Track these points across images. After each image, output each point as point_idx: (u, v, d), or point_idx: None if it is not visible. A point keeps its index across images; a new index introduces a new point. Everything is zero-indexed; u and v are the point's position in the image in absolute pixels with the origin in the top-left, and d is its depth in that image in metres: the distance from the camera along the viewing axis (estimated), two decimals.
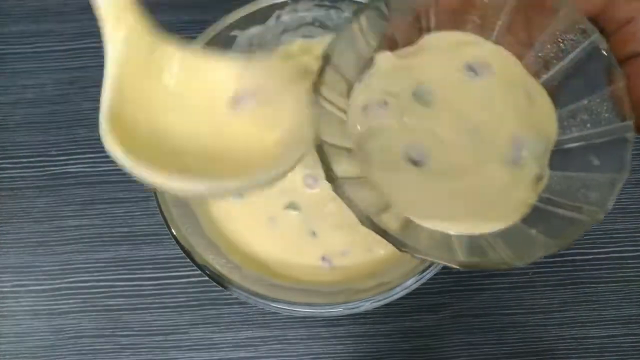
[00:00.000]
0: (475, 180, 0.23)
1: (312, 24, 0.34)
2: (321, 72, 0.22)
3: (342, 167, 0.22)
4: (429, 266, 0.29)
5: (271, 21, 0.34)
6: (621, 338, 0.36)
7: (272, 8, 0.33)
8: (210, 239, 0.31)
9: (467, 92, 0.24)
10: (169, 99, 0.23)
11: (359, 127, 0.23)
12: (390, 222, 0.22)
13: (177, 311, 0.36)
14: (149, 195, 0.38)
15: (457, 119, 0.24)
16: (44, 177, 0.39)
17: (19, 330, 0.36)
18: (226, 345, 0.36)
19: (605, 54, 0.22)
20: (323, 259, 0.32)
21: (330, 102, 0.23)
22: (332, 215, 0.32)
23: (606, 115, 0.22)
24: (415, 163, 0.23)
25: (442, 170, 0.23)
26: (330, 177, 0.21)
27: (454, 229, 0.22)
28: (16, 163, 0.39)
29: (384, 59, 0.24)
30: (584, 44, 0.22)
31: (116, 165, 0.41)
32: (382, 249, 0.32)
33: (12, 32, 0.42)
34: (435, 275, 0.36)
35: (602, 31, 0.23)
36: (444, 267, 0.37)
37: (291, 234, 0.32)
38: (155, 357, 0.36)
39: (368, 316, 0.36)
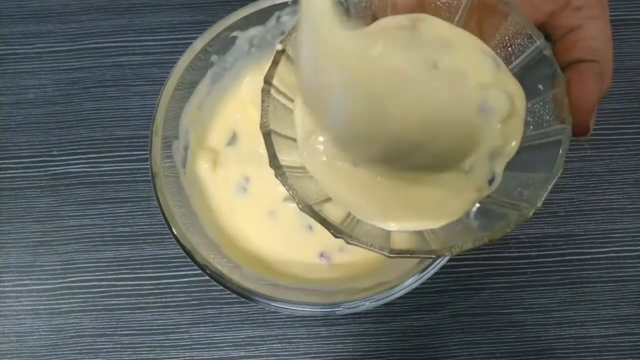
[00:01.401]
0: (425, 185, 0.23)
1: None
2: (275, 63, 0.23)
3: (290, 157, 0.23)
4: (429, 266, 0.29)
5: (271, 22, 0.34)
6: (620, 337, 0.36)
7: (272, 9, 0.33)
8: (211, 239, 0.32)
9: (429, 74, 0.24)
10: None
11: (303, 121, 0.24)
12: (335, 210, 0.23)
13: (177, 310, 0.36)
14: (150, 195, 0.38)
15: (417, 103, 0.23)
16: (46, 177, 0.39)
17: (20, 329, 0.36)
18: (226, 345, 0.36)
19: (549, 59, 0.23)
20: (321, 255, 0.32)
21: (282, 93, 0.24)
22: None
23: (547, 117, 0.23)
24: (354, 164, 0.24)
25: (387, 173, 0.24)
26: (274, 164, 0.23)
27: (395, 227, 0.23)
28: (18, 163, 0.39)
29: None
30: (530, 48, 0.23)
31: (117, 166, 0.41)
32: None
33: (13, 33, 0.42)
34: (434, 274, 0.37)
35: (548, 38, 0.24)
36: (444, 267, 0.37)
37: (290, 228, 0.32)
38: (156, 356, 0.36)
39: (368, 315, 0.36)
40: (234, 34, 0.33)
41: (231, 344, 0.36)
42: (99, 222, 0.38)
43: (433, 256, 0.23)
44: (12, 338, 0.36)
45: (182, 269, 0.37)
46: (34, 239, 0.38)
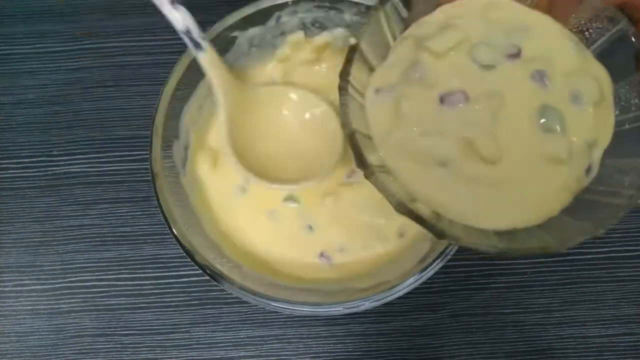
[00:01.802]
0: (521, 181, 0.22)
1: (312, 25, 0.35)
2: (349, 61, 0.23)
3: (372, 156, 0.23)
4: (429, 265, 0.29)
5: (271, 22, 0.34)
6: (620, 337, 0.36)
7: (272, 9, 0.33)
8: (211, 239, 0.32)
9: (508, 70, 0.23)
10: (259, 123, 0.32)
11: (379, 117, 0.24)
12: (422, 209, 0.22)
13: (178, 310, 0.36)
14: (149, 195, 0.38)
15: (498, 101, 0.23)
16: (46, 177, 0.39)
17: (20, 329, 0.37)
18: (227, 344, 0.36)
19: (631, 41, 0.22)
20: (321, 255, 0.32)
21: (357, 91, 0.23)
22: (328, 209, 0.32)
23: (636, 101, 0.22)
24: (442, 164, 0.23)
25: (473, 173, 0.22)
26: (363, 164, 0.22)
27: (486, 225, 0.22)
28: (18, 163, 0.39)
29: (405, 45, 0.24)
30: (611, 31, 0.22)
31: (117, 166, 0.41)
32: (380, 247, 0.32)
33: (13, 33, 0.42)
34: (434, 274, 0.37)
35: (630, 19, 0.22)
36: (444, 267, 0.37)
37: (290, 229, 0.32)
38: (156, 356, 0.36)
39: (367, 315, 0.36)
40: (234, 34, 0.33)
41: (231, 344, 0.36)
42: (99, 222, 0.38)
43: (545, 253, 0.21)
44: (12, 338, 0.36)
45: (182, 269, 0.37)
46: (34, 239, 0.38)
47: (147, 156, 0.38)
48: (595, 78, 0.23)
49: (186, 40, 0.30)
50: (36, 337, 0.36)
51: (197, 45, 0.30)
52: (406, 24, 0.25)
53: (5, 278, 0.37)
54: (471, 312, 0.36)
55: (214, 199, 0.34)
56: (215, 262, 0.30)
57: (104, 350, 0.36)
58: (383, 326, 0.36)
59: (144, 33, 0.41)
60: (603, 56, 0.23)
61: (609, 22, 0.22)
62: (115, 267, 0.37)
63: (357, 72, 0.23)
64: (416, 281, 0.29)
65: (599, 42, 0.23)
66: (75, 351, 0.36)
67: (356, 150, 0.22)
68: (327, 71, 0.35)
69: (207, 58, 0.31)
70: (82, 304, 0.37)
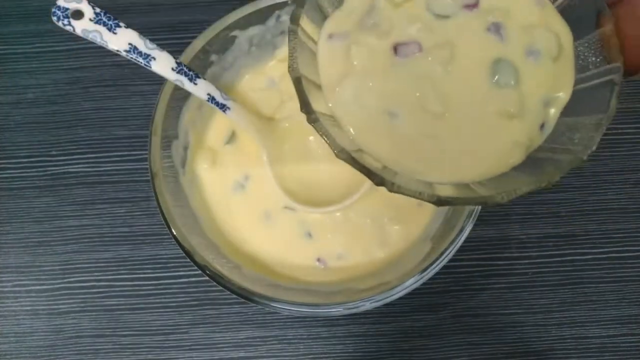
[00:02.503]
0: (472, 136, 0.22)
1: None
2: (301, 4, 0.22)
3: (321, 105, 0.22)
4: (429, 266, 0.29)
5: (271, 21, 0.34)
6: (620, 338, 0.36)
7: (272, 8, 0.33)
8: (210, 239, 0.32)
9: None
10: (293, 154, 0.34)
11: (329, 63, 0.23)
12: (367, 158, 0.21)
13: (177, 311, 0.36)
14: (149, 196, 0.38)
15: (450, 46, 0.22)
16: (45, 177, 0.39)
17: (19, 330, 0.36)
18: (226, 345, 0.36)
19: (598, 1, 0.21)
20: (318, 260, 0.32)
21: (308, 36, 0.23)
22: (331, 219, 0.32)
23: (593, 59, 0.22)
24: (392, 115, 0.22)
25: (423, 126, 0.22)
26: (306, 110, 0.21)
27: (437, 179, 0.22)
28: (17, 163, 0.39)
29: None
30: None
31: (116, 166, 0.41)
32: (382, 252, 0.32)
33: (12, 32, 0.42)
34: (435, 275, 0.36)
35: None
36: (445, 268, 0.37)
37: (287, 233, 0.32)
38: (155, 356, 0.36)
39: (368, 316, 0.36)
40: (234, 33, 0.33)
41: (231, 345, 0.36)
42: (98, 223, 0.38)
43: (483, 204, 0.21)
44: (11, 338, 0.36)
45: (181, 269, 0.37)
46: (33, 239, 0.37)
47: (146, 156, 0.38)
48: (555, 33, 0.22)
49: (211, 105, 0.31)
50: (35, 337, 0.36)
51: (223, 107, 0.31)
52: None
53: (4, 278, 0.37)
54: (472, 313, 0.36)
55: (213, 198, 0.33)
56: (214, 262, 0.29)
57: (103, 350, 0.36)
58: (384, 327, 0.36)
59: (144, 32, 0.41)
60: (565, 12, 0.23)
61: None
62: (114, 267, 0.37)
63: (310, 17, 0.22)
64: (416, 282, 0.29)
65: None
66: (75, 352, 0.36)
67: (301, 95, 0.21)
68: None
69: (234, 114, 0.32)
70: (81, 305, 0.37)
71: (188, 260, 0.37)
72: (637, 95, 0.39)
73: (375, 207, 0.32)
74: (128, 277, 0.37)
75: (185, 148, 0.33)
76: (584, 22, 0.22)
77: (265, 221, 0.33)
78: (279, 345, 0.36)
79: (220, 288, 0.36)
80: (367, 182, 0.30)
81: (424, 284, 0.36)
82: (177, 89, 0.32)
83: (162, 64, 0.28)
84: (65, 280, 0.37)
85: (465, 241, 0.37)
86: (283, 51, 0.35)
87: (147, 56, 0.28)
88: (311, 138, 0.33)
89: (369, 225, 0.32)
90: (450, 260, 0.36)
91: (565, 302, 0.36)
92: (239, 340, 0.36)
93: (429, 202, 0.21)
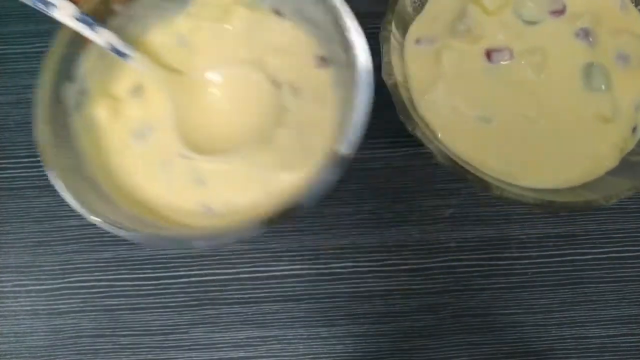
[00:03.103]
0: (566, 140, 0.22)
1: None
2: (392, 11, 0.23)
3: (412, 110, 0.23)
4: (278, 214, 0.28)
5: None
6: (621, 338, 0.36)
7: None
8: (92, 177, 0.32)
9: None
10: (200, 107, 0.34)
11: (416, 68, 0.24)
12: (465, 165, 0.22)
13: (176, 311, 0.36)
14: None
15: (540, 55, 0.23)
16: (45, 177, 0.38)
17: (18, 330, 0.36)
18: (226, 345, 0.36)
19: None
20: (206, 206, 0.32)
21: (397, 40, 0.23)
22: (220, 168, 0.32)
23: None
24: (486, 120, 0.23)
25: (517, 131, 0.22)
26: (406, 116, 0.22)
27: (527, 184, 0.22)
28: (17, 163, 0.39)
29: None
30: None
31: None
32: (266, 200, 0.32)
33: (12, 32, 0.42)
34: (435, 275, 0.37)
35: None
36: (445, 267, 0.37)
37: (180, 179, 0.32)
38: (155, 356, 0.36)
39: (368, 316, 0.36)
40: None
41: (230, 345, 0.36)
42: None
43: (587, 209, 0.21)
44: (11, 338, 0.36)
45: (181, 269, 0.37)
46: (33, 239, 0.38)
47: None
48: None
49: (113, 54, 0.32)
50: (35, 337, 0.36)
51: (125, 56, 0.32)
52: None
53: (4, 278, 0.37)
54: (472, 313, 0.36)
55: (110, 144, 0.33)
56: (93, 200, 0.30)
57: (103, 350, 0.36)
58: (384, 327, 0.36)
59: None
60: None
61: None
62: (114, 267, 0.37)
63: (396, 23, 0.23)
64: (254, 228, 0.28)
65: None
66: (74, 352, 0.36)
67: (400, 102, 0.22)
68: (236, 31, 0.35)
69: (138, 64, 0.33)
70: (81, 305, 0.37)
71: (189, 259, 0.37)
72: None
73: (264, 157, 0.32)
74: (128, 277, 0.37)
75: (82, 93, 0.33)
76: None
77: (160, 168, 0.33)
78: (279, 346, 0.36)
79: (220, 288, 0.36)
80: (258, 135, 0.30)
81: (424, 284, 0.36)
82: (75, 34, 0.32)
83: (63, 11, 0.30)
84: (65, 280, 0.37)
85: (465, 241, 0.37)
86: (192, 5, 0.35)
87: (47, 3, 0.30)
88: (214, 91, 0.34)
89: (257, 174, 0.32)
90: (451, 261, 0.37)
91: (565, 302, 0.36)
92: (239, 340, 0.36)
93: (542, 209, 0.21)
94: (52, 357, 0.36)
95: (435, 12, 0.24)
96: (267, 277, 0.37)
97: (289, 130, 0.30)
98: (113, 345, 0.36)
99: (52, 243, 0.37)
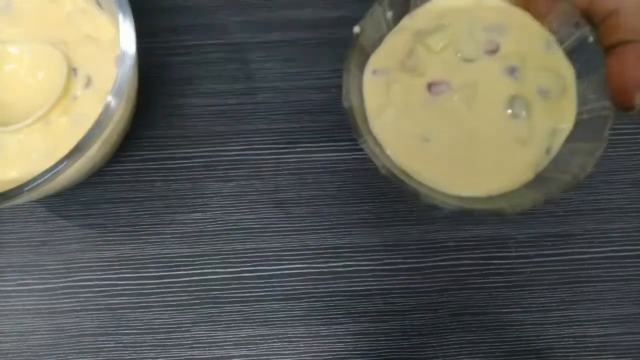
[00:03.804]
0: (489, 159, 0.27)
1: None
2: (353, 47, 0.27)
3: (365, 127, 0.27)
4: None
5: None
6: (619, 337, 0.36)
7: None
8: None
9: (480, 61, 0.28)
10: None
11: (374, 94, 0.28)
12: (402, 174, 0.26)
13: (178, 309, 0.37)
14: (151, 195, 0.38)
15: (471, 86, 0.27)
16: None
17: (21, 328, 0.37)
18: (227, 343, 0.36)
19: (592, 45, 0.26)
20: None
21: (356, 69, 0.28)
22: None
23: (590, 96, 0.27)
24: (425, 140, 0.27)
25: (450, 150, 0.27)
26: (358, 134, 0.26)
27: (455, 192, 0.27)
28: None
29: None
30: (575, 35, 0.27)
31: (119, 165, 0.41)
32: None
33: None
34: (434, 274, 0.37)
35: (591, 23, 0.26)
36: (444, 267, 0.37)
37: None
38: (157, 355, 0.36)
39: (367, 314, 0.36)
40: None
41: (232, 343, 0.36)
42: (101, 222, 0.38)
43: (497, 214, 0.28)
44: (14, 337, 0.37)
45: (183, 268, 0.37)
46: (36, 239, 0.38)
47: (149, 156, 0.39)
48: (562, 74, 0.27)
49: None
50: (37, 336, 0.37)
51: None
52: (398, 14, 0.29)
53: (7, 277, 0.37)
54: (471, 312, 0.36)
55: None
56: None
57: (105, 349, 0.36)
58: (383, 325, 0.36)
59: (144, 34, 0.41)
60: (571, 54, 0.28)
61: (575, 27, 0.26)
62: (117, 266, 0.37)
63: (355, 55, 0.27)
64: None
65: (567, 42, 0.27)
66: (77, 350, 0.36)
67: (353, 122, 0.26)
68: (59, 10, 0.36)
69: None
70: (84, 303, 0.37)
71: (190, 259, 0.37)
72: None
73: (38, 140, 0.34)
74: (130, 276, 0.37)
75: None
76: (585, 65, 0.27)
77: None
78: (280, 344, 0.36)
79: (222, 287, 0.37)
80: (42, 117, 0.33)
81: (423, 283, 0.37)
82: None
83: None
84: (68, 279, 0.37)
85: (464, 240, 0.37)
86: None
87: None
88: (11, 64, 0.35)
89: (26, 154, 0.33)
90: (450, 259, 0.37)
91: (564, 301, 0.37)
92: (240, 339, 0.36)
93: (454, 211, 0.26)
94: (55, 356, 0.36)
95: (390, 49, 0.28)
96: (268, 276, 0.37)
97: (69, 119, 0.33)
98: (115, 343, 0.36)
99: (55, 242, 0.38)
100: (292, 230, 0.38)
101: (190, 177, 0.39)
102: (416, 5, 0.29)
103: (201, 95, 0.40)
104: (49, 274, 0.37)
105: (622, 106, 0.25)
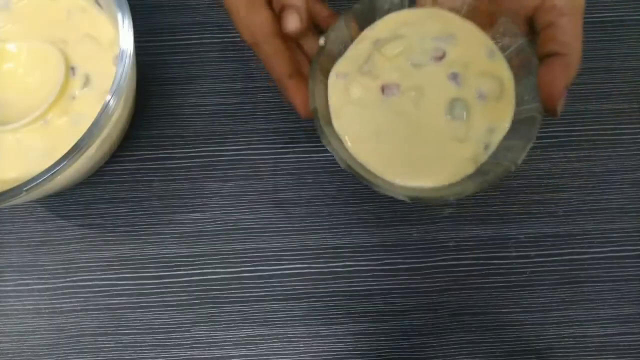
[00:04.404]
0: (435, 155, 0.30)
1: None
2: (319, 54, 0.30)
3: (329, 126, 0.30)
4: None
5: None
6: (619, 337, 0.36)
7: None
8: None
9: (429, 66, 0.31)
10: None
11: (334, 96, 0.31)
12: (359, 168, 0.30)
13: (178, 310, 0.37)
14: (150, 195, 0.38)
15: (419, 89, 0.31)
16: None
17: (21, 328, 0.37)
18: (227, 343, 0.36)
19: (528, 54, 0.29)
20: None
21: (322, 73, 0.31)
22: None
23: (525, 97, 0.30)
24: (377, 134, 0.31)
25: (399, 145, 0.30)
26: (321, 131, 0.29)
27: (405, 183, 0.30)
28: None
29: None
30: (515, 44, 0.30)
31: (118, 165, 0.41)
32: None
33: None
34: (434, 274, 0.37)
35: (534, 30, 0.30)
36: (444, 267, 0.37)
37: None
38: (157, 355, 0.36)
39: (367, 315, 0.36)
40: None
41: (232, 343, 0.36)
42: (100, 222, 0.38)
43: (442, 203, 0.32)
44: (14, 337, 0.37)
45: (182, 268, 0.37)
46: (36, 239, 0.38)
47: (148, 156, 0.39)
48: (501, 79, 0.31)
49: None
50: (37, 336, 0.37)
51: None
52: (362, 26, 0.32)
53: (7, 277, 0.37)
54: (471, 312, 0.36)
55: None
56: None
57: (105, 349, 0.36)
58: (383, 325, 0.36)
59: (144, 34, 0.41)
60: (512, 61, 0.31)
61: (515, 37, 0.30)
62: (116, 266, 0.37)
63: (322, 60, 0.30)
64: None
65: (509, 50, 0.31)
66: (76, 350, 0.36)
67: (317, 121, 0.29)
68: (58, 8, 0.36)
69: None
70: (83, 303, 0.37)
71: (189, 259, 0.37)
72: (635, 96, 0.40)
73: (36, 140, 0.34)
74: (130, 276, 0.37)
75: None
76: (523, 68, 0.30)
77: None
78: (279, 344, 0.36)
79: (222, 287, 0.37)
80: (40, 117, 0.34)
81: (423, 283, 0.37)
82: None
83: None
84: (68, 279, 0.37)
85: (464, 241, 0.37)
86: None
87: None
88: (11, 62, 0.35)
89: (24, 154, 0.34)
90: (449, 260, 0.37)
91: (564, 301, 0.37)
92: (240, 339, 0.36)
93: (402, 200, 0.29)
94: (55, 356, 0.36)
95: (352, 56, 0.32)
96: (268, 276, 0.37)
97: (68, 119, 0.34)
98: (115, 343, 0.36)
99: (55, 242, 0.38)
100: (291, 230, 0.38)
101: (189, 177, 0.39)
102: (379, 17, 0.32)
103: (200, 95, 0.40)
104: (49, 274, 0.37)
105: (548, 111, 0.28)
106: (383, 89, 0.31)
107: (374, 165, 0.30)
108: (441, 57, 0.31)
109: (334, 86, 0.31)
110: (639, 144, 0.39)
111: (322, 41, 0.30)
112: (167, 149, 0.39)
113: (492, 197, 0.38)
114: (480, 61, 0.31)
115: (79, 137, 0.29)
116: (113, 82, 0.30)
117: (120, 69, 0.30)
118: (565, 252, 0.37)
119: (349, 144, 0.30)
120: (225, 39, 0.41)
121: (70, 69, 0.34)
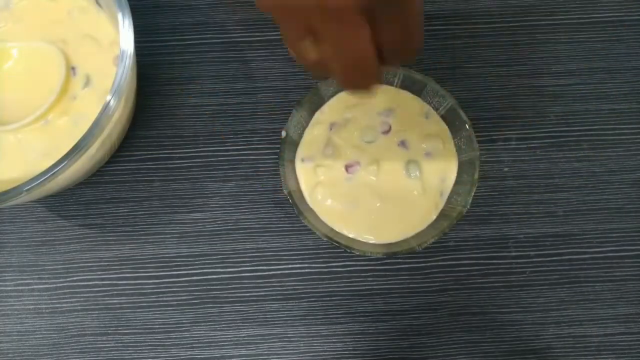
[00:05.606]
0: (401, 209, 0.35)
1: None
2: (282, 145, 0.35)
3: (304, 204, 0.35)
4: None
5: None
6: (618, 336, 0.36)
7: None
8: None
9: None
10: None
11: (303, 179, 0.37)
12: (338, 237, 0.35)
13: (178, 309, 0.37)
14: (151, 195, 0.38)
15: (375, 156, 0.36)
16: None
17: (22, 328, 0.37)
18: (227, 343, 0.36)
19: (457, 111, 0.35)
20: None
21: (290, 159, 0.36)
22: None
23: (464, 147, 0.35)
24: (350, 205, 0.36)
25: (370, 210, 0.35)
26: (298, 211, 0.34)
27: (378, 240, 0.35)
28: None
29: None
30: (444, 104, 0.36)
31: (118, 165, 0.41)
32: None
33: None
34: (434, 274, 0.37)
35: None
36: (444, 267, 0.37)
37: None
38: (157, 354, 0.36)
39: (367, 314, 0.37)
40: None
41: (232, 343, 0.36)
42: (101, 222, 0.38)
43: (411, 252, 0.36)
44: (14, 337, 0.37)
45: (183, 268, 0.37)
46: (36, 239, 0.38)
47: (148, 156, 0.39)
48: (439, 136, 0.36)
49: None
50: (37, 336, 0.37)
51: None
52: (313, 110, 0.37)
53: (7, 277, 0.37)
54: (470, 312, 0.36)
55: None
56: None
57: (105, 349, 0.36)
58: (383, 325, 0.36)
59: (145, 34, 0.41)
60: (445, 118, 0.36)
61: (442, 97, 0.35)
62: (116, 266, 0.37)
63: (286, 151, 0.35)
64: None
65: (440, 109, 0.36)
66: (77, 350, 0.36)
67: (294, 203, 0.34)
68: (58, 8, 0.36)
69: None
70: (84, 303, 0.37)
71: (189, 259, 0.37)
72: (634, 96, 0.40)
73: (36, 140, 0.34)
74: (130, 276, 0.37)
75: None
76: (454, 124, 0.36)
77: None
78: (280, 343, 0.36)
79: (222, 286, 0.37)
80: (40, 117, 0.34)
81: (423, 283, 0.37)
82: None
83: None
84: (68, 279, 0.37)
85: (463, 240, 0.37)
86: None
87: None
88: (10, 62, 0.35)
89: (25, 154, 0.34)
90: (449, 260, 0.37)
91: (564, 301, 0.37)
92: (240, 339, 0.36)
93: (378, 257, 0.36)
94: (55, 356, 0.36)
95: (310, 140, 0.37)
96: (268, 276, 0.37)
97: (69, 119, 0.34)
98: (115, 343, 0.36)
99: (55, 242, 0.38)
100: (291, 230, 0.38)
101: (189, 177, 0.39)
102: (326, 100, 0.37)
103: (200, 95, 0.40)
104: (49, 273, 0.37)
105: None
106: (347, 168, 0.36)
107: (350, 231, 0.35)
108: (388, 131, 0.36)
109: (302, 170, 0.36)
110: (639, 144, 0.39)
111: (283, 133, 0.35)
112: (167, 149, 0.39)
113: (492, 197, 0.38)
114: (420, 124, 0.36)
115: (79, 137, 0.29)
116: (113, 82, 0.30)
117: (121, 69, 0.30)
118: (565, 252, 0.37)
119: (323, 218, 0.35)
120: (226, 39, 0.41)
121: (71, 69, 0.34)
